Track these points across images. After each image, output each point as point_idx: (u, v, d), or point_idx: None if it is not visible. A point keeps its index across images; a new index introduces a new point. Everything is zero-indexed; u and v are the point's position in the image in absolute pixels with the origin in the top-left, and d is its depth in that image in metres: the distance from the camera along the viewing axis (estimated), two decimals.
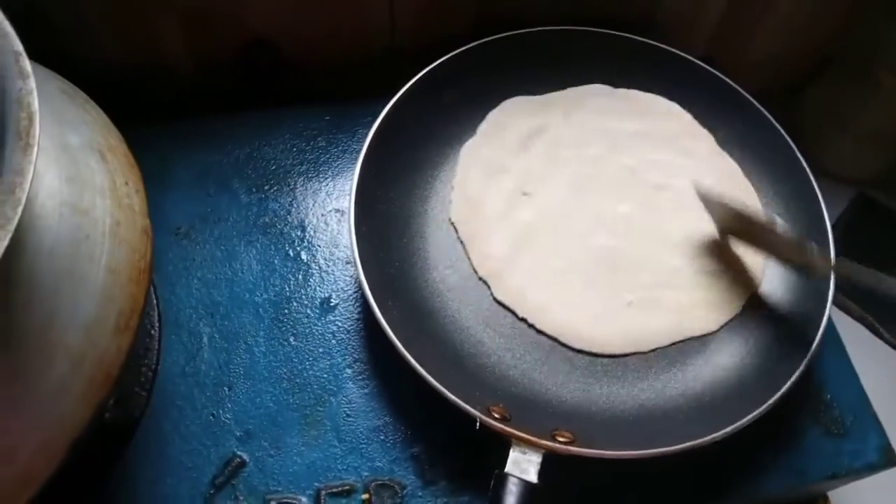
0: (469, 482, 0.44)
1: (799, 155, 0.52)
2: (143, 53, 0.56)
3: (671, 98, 0.57)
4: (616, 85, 0.58)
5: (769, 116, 0.54)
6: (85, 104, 0.40)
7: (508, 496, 0.38)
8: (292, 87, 0.61)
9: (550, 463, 0.40)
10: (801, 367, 0.43)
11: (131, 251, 0.36)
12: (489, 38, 0.55)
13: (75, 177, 0.35)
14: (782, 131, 0.53)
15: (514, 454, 0.39)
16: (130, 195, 0.37)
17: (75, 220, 0.34)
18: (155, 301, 0.49)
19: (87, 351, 0.33)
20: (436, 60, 0.53)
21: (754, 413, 0.41)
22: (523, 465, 0.39)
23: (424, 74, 0.53)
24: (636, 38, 0.57)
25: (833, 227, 0.68)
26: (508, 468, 0.39)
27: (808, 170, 0.52)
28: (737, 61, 0.67)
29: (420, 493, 0.44)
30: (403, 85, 0.52)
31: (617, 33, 0.57)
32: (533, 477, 0.39)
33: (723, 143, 0.56)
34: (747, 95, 0.55)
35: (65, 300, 0.32)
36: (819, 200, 0.50)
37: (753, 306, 0.50)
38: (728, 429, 0.41)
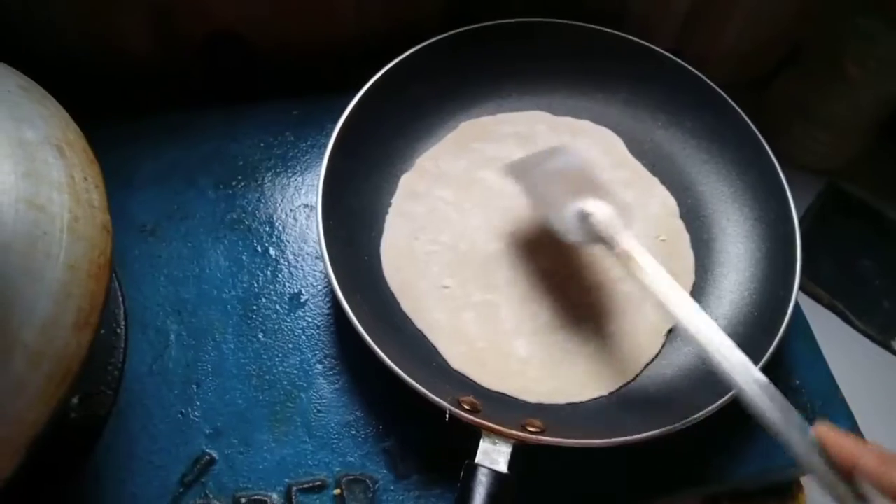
0: (442, 475, 0.44)
1: (766, 145, 0.53)
2: (106, 48, 0.55)
3: (637, 89, 0.58)
4: (589, 78, 0.58)
5: (737, 108, 0.54)
6: (42, 99, 0.39)
7: (478, 487, 0.38)
8: (259, 81, 0.60)
9: (521, 453, 0.40)
10: (768, 354, 0.43)
11: (91, 247, 0.35)
12: (457, 30, 0.55)
13: (32, 172, 0.34)
14: (749, 123, 0.54)
15: (483, 445, 0.39)
16: (89, 190, 0.37)
17: (32, 216, 0.33)
18: (121, 299, 0.48)
19: (45, 348, 0.32)
20: (404, 53, 0.53)
21: (722, 400, 0.41)
22: (493, 456, 0.39)
23: (392, 67, 0.52)
24: (606, 30, 0.57)
25: (803, 217, 0.69)
26: (478, 459, 0.39)
27: (774, 160, 0.52)
28: (705, 54, 0.67)
29: (392, 488, 0.44)
30: (371, 78, 0.52)
31: (587, 25, 0.57)
32: (503, 467, 0.39)
33: (691, 133, 0.56)
34: (715, 87, 0.55)
35: (21, 297, 0.32)
36: (787, 193, 0.51)
37: (718, 297, 0.50)
38: (697, 415, 0.41)
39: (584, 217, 0.45)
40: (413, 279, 0.50)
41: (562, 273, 0.50)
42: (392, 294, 0.49)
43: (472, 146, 0.55)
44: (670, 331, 0.49)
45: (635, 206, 0.53)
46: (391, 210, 0.52)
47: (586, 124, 0.57)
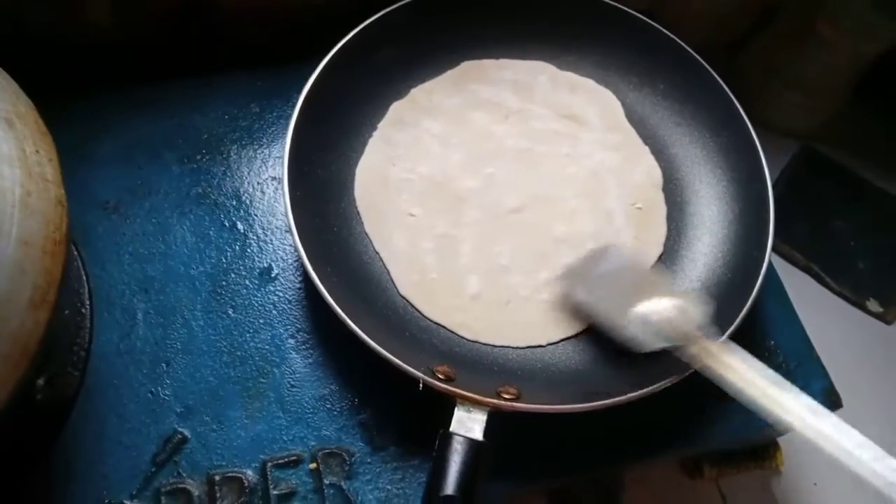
0: (418, 446, 0.44)
1: (739, 107, 0.52)
2: (65, 19, 0.53)
3: (612, 51, 0.57)
4: (559, 39, 0.57)
5: (710, 70, 0.54)
6: None
7: (454, 455, 0.37)
8: (223, 51, 0.59)
9: (497, 420, 0.39)
10: (742, 315, 0.43)
11: (45, 222, 0.34)
12: None
13: None
14: (723, 84, 0.53)
15: (458, 413, 0.39)
16: (42, 164, 0.35)
17: None
18: (85, 278, 0.47)
19: (0, 328, 0.31)
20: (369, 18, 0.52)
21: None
22: (468, 424, 0.39)
23: (356, 34, 0.51)
24: None
25: (777, 179, 0.69)
26: (453, 427, 0.39)
27: (747, 121, 0.51)
28: (678, 16, 0.66)
29: (369, 460, 0.44)
30: (336, 45, 0.51)
31: None
32: (478, 435, 0.38)
33: (664, 95, 0.55)
34: (688, 49, 0.55)
35: None
36: (759, 152, 0.50)
37: (692, 259, 0.50)
38: (671, 378, 0.41)
39: (648, 322, 0.42)
40: (381, 202, 0.50)
41: (531, 222, 0.50)
42: (364, 263, 0.48)
43: (469, 86, 0.55)
44: None
45: (619, 171, 0.53)
46: (375, 134, 0.52)
47: (588, 83, 0.57)
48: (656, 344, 0.41)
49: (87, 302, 0.46)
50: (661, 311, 0.42)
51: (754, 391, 0.37)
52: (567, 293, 0.47)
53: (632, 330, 0.42)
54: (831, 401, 0.48)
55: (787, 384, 0.37)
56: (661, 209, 0.52)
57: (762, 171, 0.50)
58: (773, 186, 0.49)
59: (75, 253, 0.47)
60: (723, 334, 0.42)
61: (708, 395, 0.46)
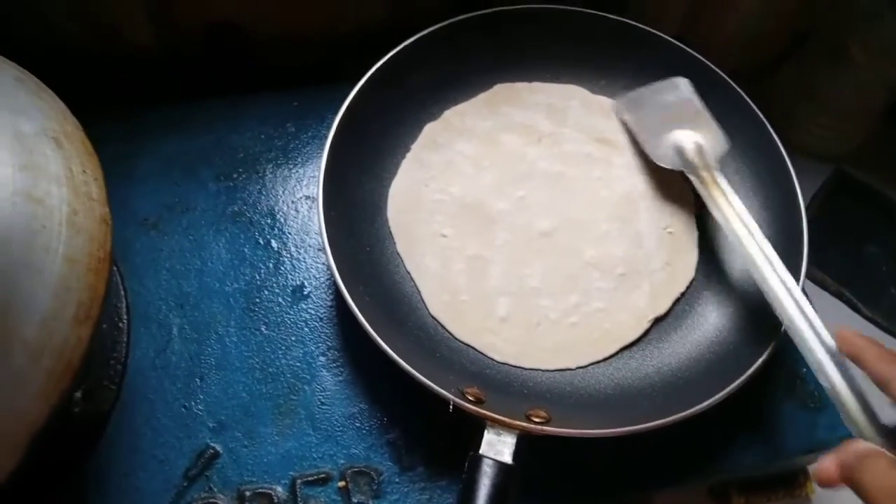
0: (446, 467, 0.44)
1: (771, 131, 0.52)
2: (105, 39, 0.55)
3: (643, 75, 0.57)
4: (592, 63, 0.58)
5: (742, 93, 0.54)
6: (39, 91, 0.39)
7: (483, 478, 0.37)
8: (259, 72, 0.60)
9: (527, 443, 0.39)
10: (773, 343, 0.43)
11: (90, 240, 0.35)
12: (458, 18, 0.54)
13: (29, 164, 0.34)
14: (755, 108, 0.53)
15: (488, 436, 0.39)
16: (88, 183, 0.36)
17: (30, 210, 0.33)
18: (122, 293, 0.48)
19: (45, 343, 0.32)
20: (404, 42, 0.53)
21: (728, 388, 0.41)
22: (497, 447, 0.39)
23: (392, 56, 0.52)
24: (610, 16, 0.57)
25: (809, 203, 0.69)
26: (483, 450, 0.39)
27: (780, 146, 0.51)
28: (710, 40, 0.66)
29: (397, 480, 0.44)
30: (371, 67, 0.51)
31: (591, 12, 0.57)
32: (507, 458, 0.38)
33: None
34: (720, 73, 0.55)
35: (20, 292, 0.32)
36: (792, 176, 0.50)
37: (725, 284, 0.50)
38: (703, 405, 0.41)
39: (678, 147, 0.52)
40: (413, 223, 0.50)
41: (562, 244, 0.51)
42: (396, 282, 0.49)
43: (502, 109, 0.56)
44: (657, 320, 0.48)
45: (651, 195, 0.53)
46: (408, 156, 0.53)
47: None
48: (675, 166, 0.52)
49: (125, 316, 0.47)
50: (685, 143, 0.52)
51: (735, 224, 0.46)
52: (618, 110, 0.56)
53: (662, 150, 0.53)
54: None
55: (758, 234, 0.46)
56: (693, 234, 0.52)
57: (795, 195, 0.50)
58: (806, 210, 0.49)
59: (114, 268, 0.48)
60: (753, 364, 0.43)
61: (737, 421, 0.46)
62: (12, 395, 0.31)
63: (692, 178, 0.50)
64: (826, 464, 0.34)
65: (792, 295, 0.42)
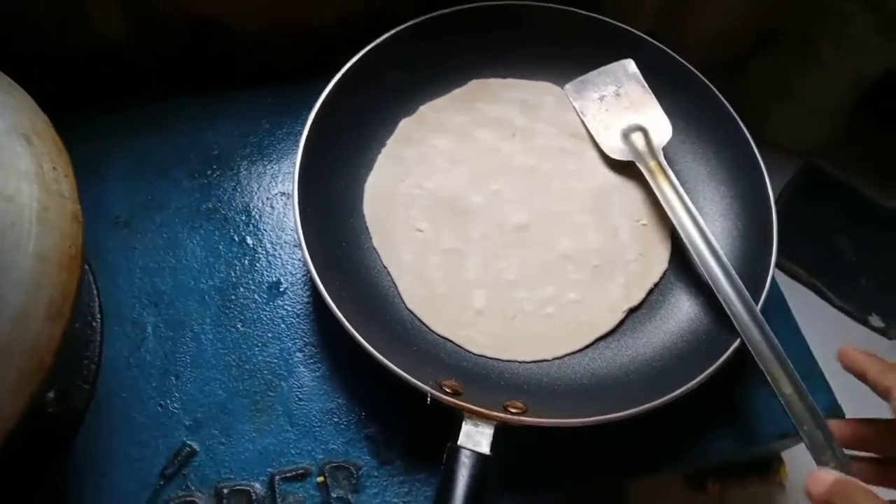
0: (426, 459, 0.44)
1: (741, 125, 0.53)
2: (79, 36, 0.54)
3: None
4: (563, 59, 0.58)
5: (713, 88, 0.54)
6: (9, 88, 0.38)
7: (461, 469, 0.38)
8: (233, 69, 0.59)
9: (504, 433, 0.40)
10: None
11: (61, 237, 0.34)
12: (432, 14, 0.55)
13: None
14: (725, 102, 0.54)
15: (466, 427, 0.39)
16: (59, 180, 0.36)
17: None
18: (95, 292, 0.47)
19: (16, 341, 0.31)
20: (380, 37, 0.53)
21: (701, 376, 0.42)
22: (476, 438, 0.39)
23: (366, 53, 0.52)
24: (583, 12, 0.57)
25: (779, 195, 0.70)
26: (461, 441, 0.39)
27: (750, 139, 0.52)
28: (683, 36, 0.67)
29: (376, 474, 0.44)
30: (346, 64, 0.51)
31: (566, 8, 0.57)
32: (485, 448, 0.39)
33: (668, 114, 0.56)
34: (691, 68, 0.55)
35: None
36: (762, 169, 0.51)
37: (697, 275, 0.50)
38: (676, 392, 0.41)
39: (625, 136, 0.54)
40: (389, 218, 0.51)
41: (537, 237, 0.51)
42: (373, 277, 0.49)
43: (477, 105, 0.56)
44: (631, 310, 0.49)
45: (624, 188, 0.54)
46: (384, 151, 0.53)
47: None
48: (625, 156, 0.53)
49: (98, 315, 0.47)
50: (632, 133, 0.54)
51: (680, 212, 0.49)
52: (571, 96, 0.57)
53: (612, 142, 0.54)
54: (835, 415, 0.48)
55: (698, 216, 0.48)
56: (667, 225, 0.52)
57: (765, 187, 0.50)
58: (776, 203, 0.50)
59: (86, 267, 0.48)
60: (726, 351, 0.43)
61: (711, 409, 0.47)
62: None
63: (641, 167, 0.52)
64: None
65: (753, 317, 0.44)
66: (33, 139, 0.36)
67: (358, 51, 0.52)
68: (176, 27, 0.56)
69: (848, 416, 0.48)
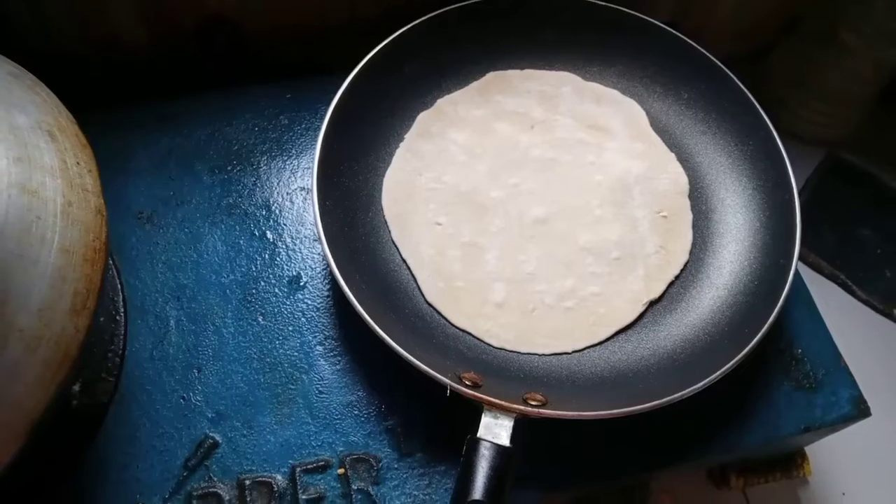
0: (445, 452, 0.44)
1: (764, 116, 0.52)
2: (98, 35, 0.55)
3: (636, 61, 0.57)
4: (581, 49, 0.58)
5: (734, 79, 0.54)
6: (33, 85, 0.39)
7: (481, 460, 0.38)
8: (252, 65, 0.60)
9: (524, 426, 0.40)
10: (769, 322, 0.43)
11: (85, 231, 0.35)
12: (450, 7, 0.55)
13: (23, 157, 0.34)
14: (747, 92, 0.53)
15: (485, 419, 0.39)
16: (82, 175, 0.36)
17: (24, 201, 0.33)
18: (119, 286, 0.48)
19: (42, 333, 0.32)
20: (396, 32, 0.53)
21: (723, 369, 0.41)
22: (495, 430, 0.39)
23: (384, 47, 0.52)
24: (604, 3, 0.57)
25: (803, 187, 0.69)
26: (480, 433, 0.39)
27: (772, 129, 0.52)
28: (702, 25, 0.67)
29: (396, 466, 0.44)
30: (363, 58, 0.52)
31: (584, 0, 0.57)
32: (505, 441, 0.39)
33: (688, 105, 0.56)
34: (712, 58, 0.55)
35: (16, 282, 0.32)
36: (785, 160, 0.51)
37: (718, 267, 0.50)
38: (697, 386, 0.41)
39: None
40: (408, 212, 0.51)
41: (557, 230, 0.51)
42: (392, 270, 0.49)
43: (495, 97, 0.56)
44: (652, 303, 0.49)
45: (645, 179, 0.53)
46: (402, 145, 0.53)
47: (613, 93, 0.57)
48: None
49: (122, 309, 0.47)
50: None
51: None
52: None
53: None
54: (860, 409, 0.48)
55: None
56: (687, 217, 0.52)
57: (788, 179, 0.50)
58: (799, 194, 0.49)
59: (111, 261, 0.49)
60: (748, 344, 0.43)
61: (732, 402, 0.47)
62: (9, 385, 0.31)
63: None
64: None
65: None
66: (57, 135, 0.37)
67: (374, 46, 0.52)
68: (188, 25, 0.57)
69: (873, 411, 0.48)
